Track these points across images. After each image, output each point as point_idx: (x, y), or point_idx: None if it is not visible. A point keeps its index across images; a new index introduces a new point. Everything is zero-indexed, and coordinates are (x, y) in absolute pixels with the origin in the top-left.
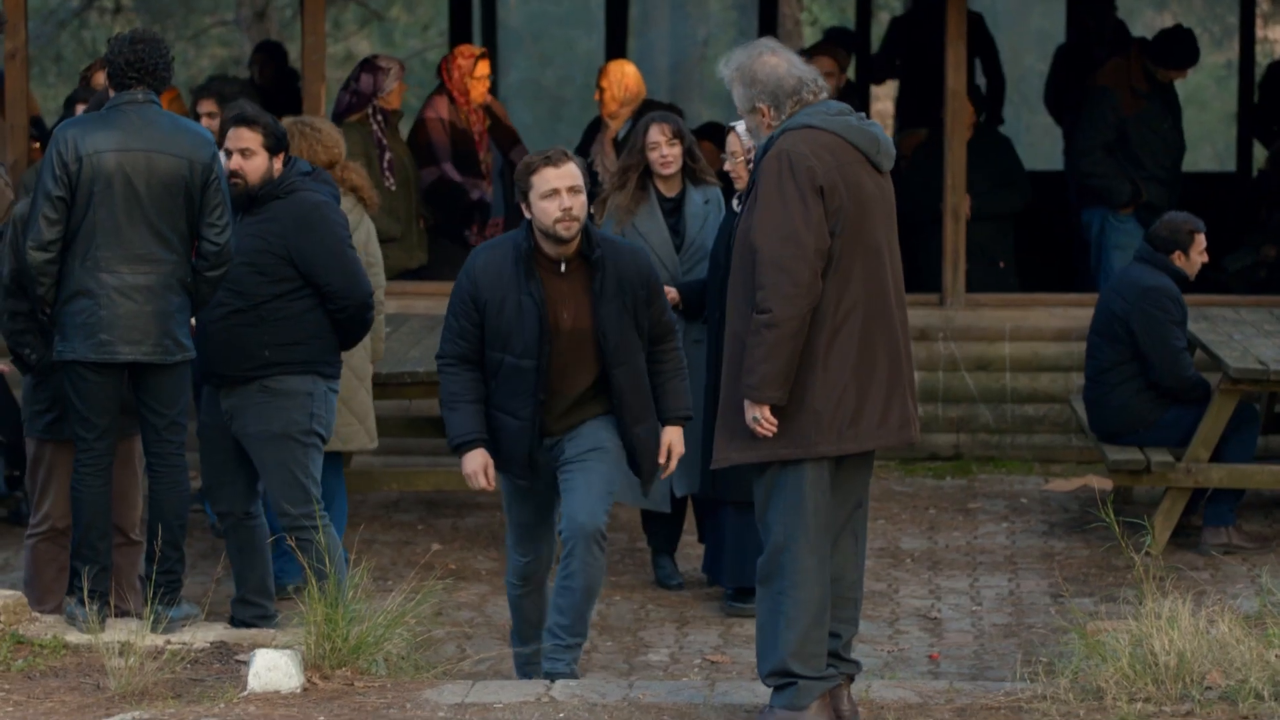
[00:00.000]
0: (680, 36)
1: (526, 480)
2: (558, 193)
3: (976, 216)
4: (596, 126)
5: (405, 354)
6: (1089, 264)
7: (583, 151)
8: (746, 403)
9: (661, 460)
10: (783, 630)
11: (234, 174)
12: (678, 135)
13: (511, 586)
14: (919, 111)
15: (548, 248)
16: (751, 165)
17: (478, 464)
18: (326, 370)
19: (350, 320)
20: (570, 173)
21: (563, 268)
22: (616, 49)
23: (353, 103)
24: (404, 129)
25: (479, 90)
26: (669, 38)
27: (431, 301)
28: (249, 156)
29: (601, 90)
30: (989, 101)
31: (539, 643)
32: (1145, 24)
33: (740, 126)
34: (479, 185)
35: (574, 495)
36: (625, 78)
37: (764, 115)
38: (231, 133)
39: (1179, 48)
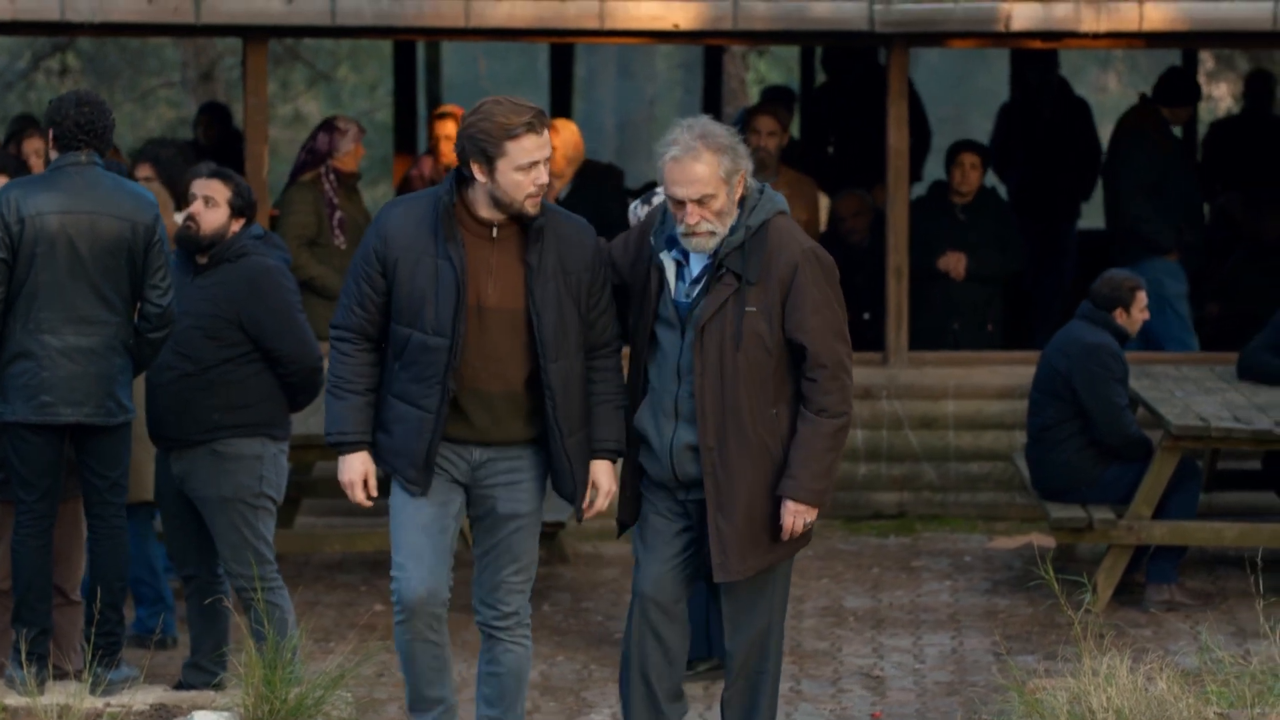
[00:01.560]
0: (626, 96)
1: (419, 486)
2: (535, 165)
3: (969, 278)
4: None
5: None
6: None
7: None
8: (800, 507)
9: (587, 500)
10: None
11: (190, 217)
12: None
13: (400, 630)
14: (851, 174)
15: (485, 212)
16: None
17: (357, 471)
18: (276, 433)
19: (300, 384)
20: (548, 141)
21: (494, 232)
22: (562, 108)
23: (306, 161)
24: (370, 193)
25: (447, 150)
26: (615, 97)
27: None
28: (210, 206)
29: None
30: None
31: (439, 712)
32: (1089, 82)
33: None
34: None
35: (499, 574)
36: (574, 136)
37: (739, 187)
38: (201, 181)
39: (1183, 86)
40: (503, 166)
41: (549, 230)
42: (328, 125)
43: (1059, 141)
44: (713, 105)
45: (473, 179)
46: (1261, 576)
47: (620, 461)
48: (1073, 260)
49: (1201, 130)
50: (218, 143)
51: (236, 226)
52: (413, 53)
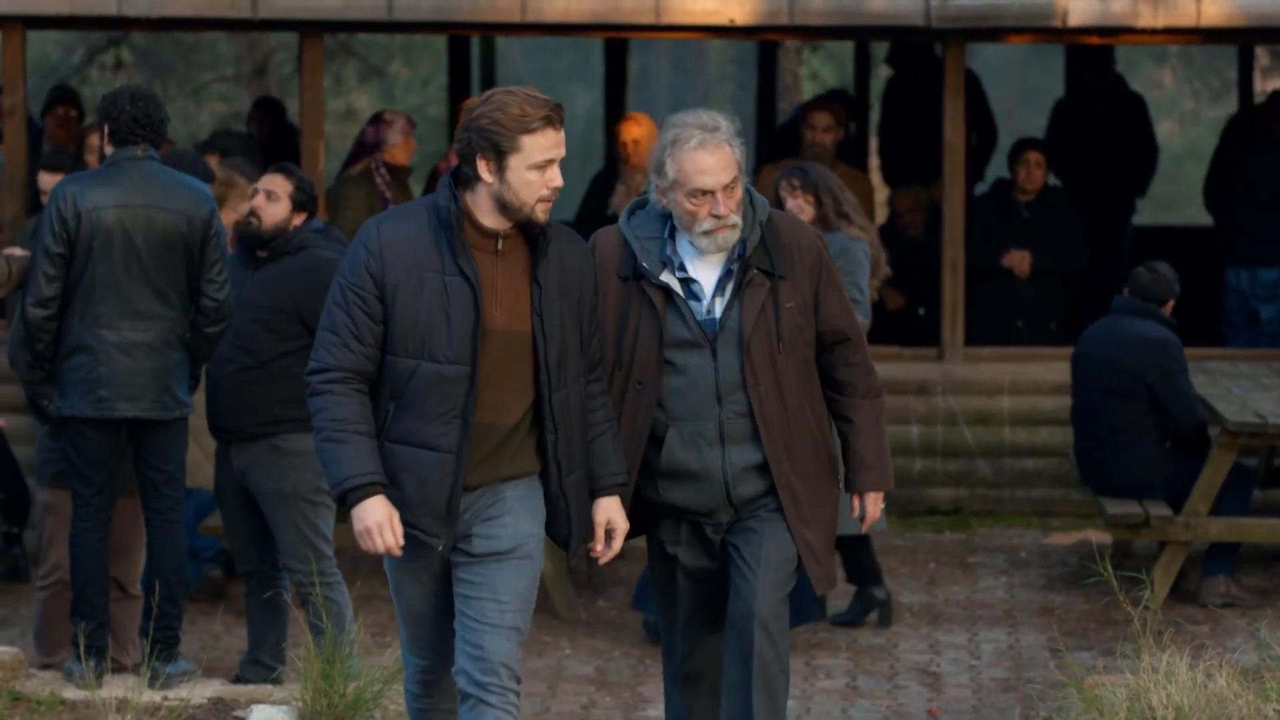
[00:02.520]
0: (679, 90)
1: (438, 539)
2: (551, 164)
3: (1033, 275)
4: (605, 180)
5: None
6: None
7: (596, 207)
8: (874, 495)
9: (599, 544)
10: None
11: (252, 212)
12: (805, 187)
13: (411, 698)
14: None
15: (488, 219)
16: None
17: (383, 514)
18: None
19: None
20: (563, 140)
21: (499, 244)
22: (616, 103)
23: (355, 153)
24: (421, 189)
25: None
26: (668, 91)
27: None
28: (272, 200)
29: (631, 143)
30: (979, 156)
31: None
32: (1144, 78)
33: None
34: None
35: (484, 627)
36: (654, 130)
37: None
38: (266, 176)
39: None
40: (515, 164)
41: (554, 243)
42: (375, 118)
43: (1114, 137)
44: (767, 100)
45: (476, 179)
46: None
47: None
48: (1127, 257)
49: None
50: (271, 138)
51: (298, 220)
52: (467, 47)
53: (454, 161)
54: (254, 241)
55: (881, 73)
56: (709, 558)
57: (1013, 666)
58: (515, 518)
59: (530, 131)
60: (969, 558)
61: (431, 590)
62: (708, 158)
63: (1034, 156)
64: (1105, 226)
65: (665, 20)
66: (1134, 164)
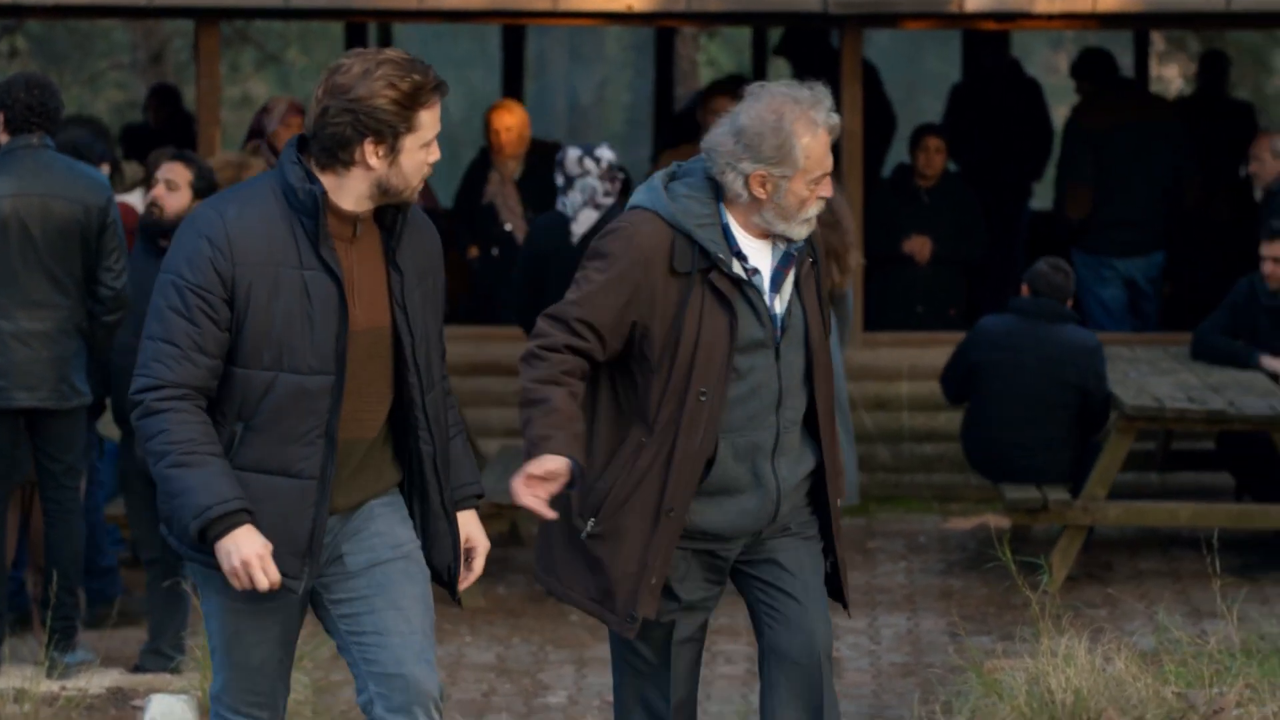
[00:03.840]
0: (578, 78)
1: (298, 581)
2: (432, 142)
3: (933, 261)
4: (479, 167)
5: None
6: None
7: (469, 193)
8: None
9: (467, 563)
10: None
11: (154, 203)
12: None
13: None
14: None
15: (351, 204)
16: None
17: (259, 545)
18: None
19: None
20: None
21: (356, 230)
22: (514, 91)
23: (248, 141)
24: None
25: None
26: (566, 80)
27: None
28: (173, 189)
29: (504, 130)
30: (878, 143)
31: None
32: (1041, 63)
33: None
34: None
35: (392, 639)
36: (525, 117)
37: None
38: (166, 164)
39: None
40: (410, 145)
41: (409, 223)
42: (263, 107)
43: (1011, 123)
44: (664, 87)
45: (350, 164)
46: (1217, 557)
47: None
48: (1024, 242)
49: None
50: (167, 125)
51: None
52: (364, 34)
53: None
54: (156, 230)
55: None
56: (711, 584)
57: (912, 651)
58: (388, 524)
59: (426, 106)
60: (868, 543)
61: (278, 637)
62: (827, 137)
63: (934, 142)
64: (1002, 211)
65: (563, 7)
66: (1030, 149)
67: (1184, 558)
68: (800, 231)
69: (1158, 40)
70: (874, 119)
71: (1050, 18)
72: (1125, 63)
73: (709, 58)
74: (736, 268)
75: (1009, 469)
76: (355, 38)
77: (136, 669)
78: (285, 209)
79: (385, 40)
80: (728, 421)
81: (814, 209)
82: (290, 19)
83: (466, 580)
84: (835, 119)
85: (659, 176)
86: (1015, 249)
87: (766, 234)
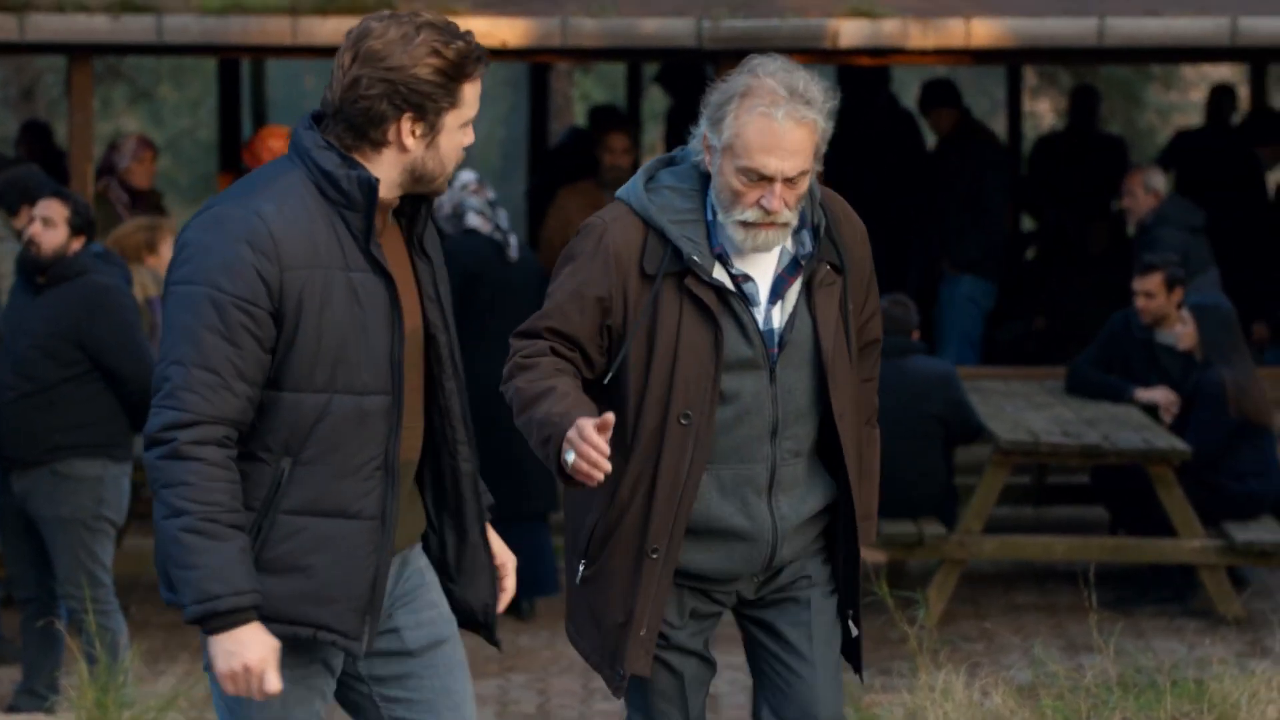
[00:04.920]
0: None
1: (361, 643)
2: (470, 122)
3: None
4: None
5: None
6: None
7: None
8: (866, 551)
9: (506, 588)
10: None
11: (31, 240)
12: None
13: None
14: None
15: (385, 191)
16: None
17: (266, 649)
18: (118, 454)
19: (141, 404)
20: None
21: (388, 220)
22: None
23: (97, 177)
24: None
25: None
26: None
27: None
28: (49, 226)
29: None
30: None
31: None
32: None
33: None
34: None
35: None
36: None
37: None
38: (42, 202)
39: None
40: (451, 123)
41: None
42: (111, 145)
43: (887, 155)
44: (539, 123)
45: (382, 145)
46: (1093, 590)
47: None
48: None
49: (1027, 146)
50: (39, 161)
51: (76, 245)
52: (237, 70)
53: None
54: (34, 268)
55: (654, 94)
56: (713, 620)
57: None
58: (435, 593)
59: (471, 78)
60: None
61: (320, 709)
62: (781, 132)
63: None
64: (886, 243)
65: None
66: (907, 181)
67: (1060, 591)
68: (736, 236)
69: (1030, 75)
70: None
71: (924, 53)
72: (998, 97)
73: (583, 92)
74: (718, 273)
75: (883, 504)
76: (228, 73)
77: (11, 709)
78: (320, 202)
79: (258, 77)
80: (712, 451)
81: (751, 213)
82: (164, 54)
83: (504, 601)
84: (801, 112)
85: (648, 164)
86: (902, 280)
87: (755, 249)
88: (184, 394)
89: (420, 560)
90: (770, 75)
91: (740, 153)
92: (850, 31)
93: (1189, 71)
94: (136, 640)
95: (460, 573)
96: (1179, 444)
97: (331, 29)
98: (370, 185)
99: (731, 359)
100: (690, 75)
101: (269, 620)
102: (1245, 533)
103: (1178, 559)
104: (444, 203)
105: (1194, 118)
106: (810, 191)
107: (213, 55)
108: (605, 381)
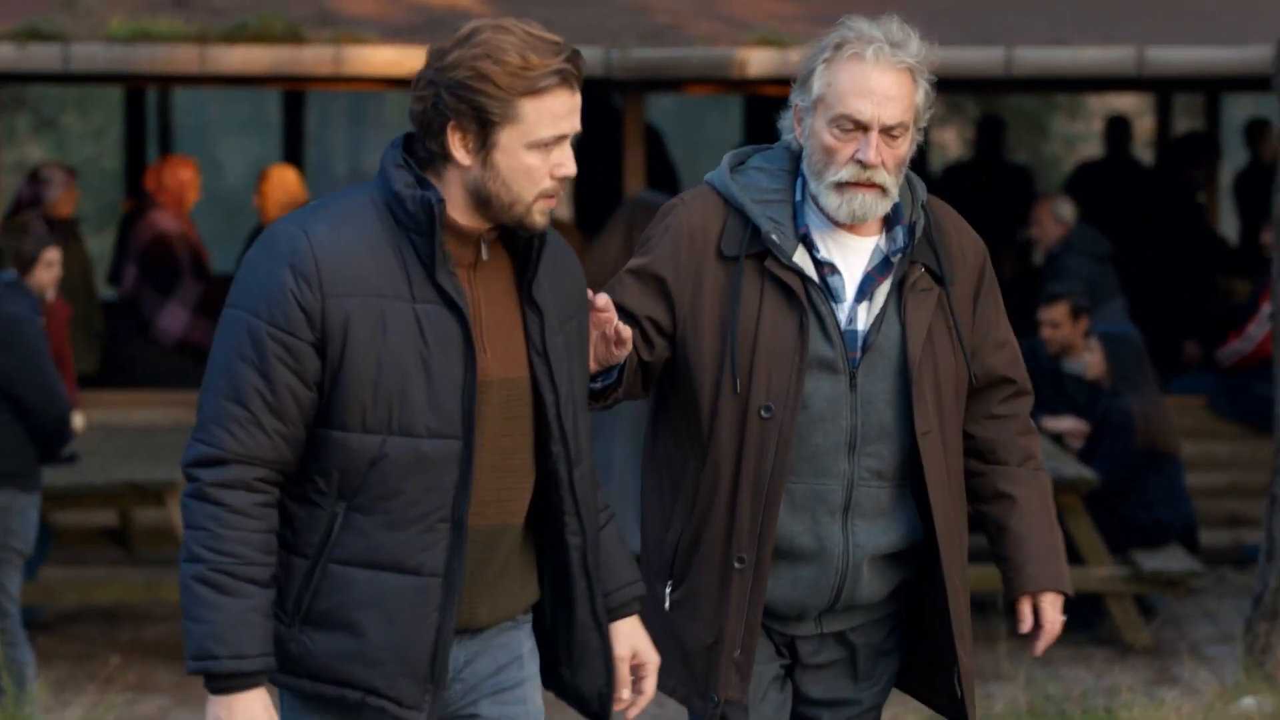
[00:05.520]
0: (358, 144)
1: (419, 712)
2: (561, 142)
3: None
4: (259, 233)
5: (83, 464)
6: None
7: None
8: (1052, 598)
9: (625, 689)
10: None
11: None
12: None
13: None
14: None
15: (464, 217)
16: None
17: (258, 711)
18: (26, 484)
19: (49, 434)
20: (579, 103)
21: (483, 253)
22: (294, 155)
23: (14, 210)
24: (97, 240)
25: (191, 199)
26: (347, 145)
27: (106, 411)
28: None
29: (263, 195)
30: None
31: None
32: None
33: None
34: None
35: None
36: (286, 182)
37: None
38: None
39: None
40: (508, 140)
41: (547, 250)
42: (32, 176)
43: None
44: None
45: (443, 159)
46: (1003, 620)
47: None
48: None
49: (934, 175)
50: None
51: None
52: (143, 99)
53: (167, 222)
54: None
55: None
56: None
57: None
58: (531, 688)
59: (536, 93)
60: None
61: None
62: (877, 75)
63: None
64: None
65: (345, 71)
66: None
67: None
68: (830, 201)
69: (937, 105)
70: (659, 182)
71: None
72: None
73: None
74: (800, 257)
75: None
76: (134, 101)
77: None
78: (390, 226)
79: (165, 104)
80: (790, 464)
81: (846, 171)
82: (69, 83)
83: (635, 709)
84: (899, 57)
85: (739, 150)
86: None
87: (873, 223)
88: (213, 428)
89: (526, 645)
90: (862, 23)
91: (833, 101)
92: (758, 61)
93: (1093, 101)
94: (44, 671)
95: (569, 653)
96: (1086, 472)
97: (240, 58)
98: (429, 205)
99: (810, 356)
100: (598, 105)
101: (316, 679)
102: (1153, 561)
103: (1086, 588)
104: None
105: (1098, 148)
106: (910, 184)
107: (118, 84)
108: (677, 370)
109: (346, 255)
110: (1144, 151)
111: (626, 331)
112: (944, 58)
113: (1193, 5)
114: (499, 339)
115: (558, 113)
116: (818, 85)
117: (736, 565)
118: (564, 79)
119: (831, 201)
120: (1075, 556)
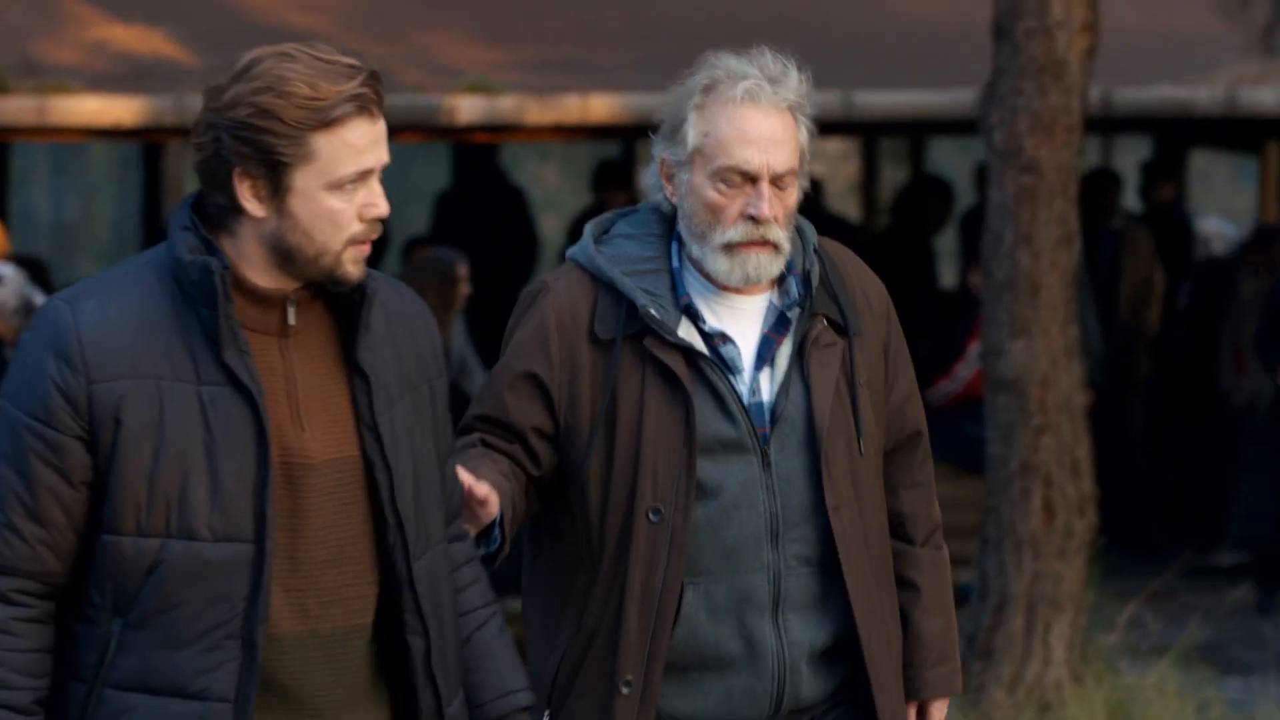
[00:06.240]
0: (62, 191)
1: None
2: (367, 177)
3: None
4: None
5: None
6: None
7: None
8: (940, 705)
9: None
10: None
11: None
12: None
13: None
14: None
15: (263, 278)
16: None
17: None
18: None
19: None
20: (384, 131)
21: (290, 317)
22: None
23: None
24: None
25: None
26: (50, 193)
27: None
28: None
29: None
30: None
31: None
32: (528, 174)
33: None
34: None
35: None
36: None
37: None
38: None
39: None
40: (305, 183)
41: (377, 305)
42: None
43: (497, 231)
44: (152, 202)
45: (232, 212)
46: None
47: None
48: None
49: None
50: None
51: None
52: None
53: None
54: None
55: None
56: None
57: None
58: None
59: (330, 125)
60: None
61: None
62: (759, 118)
63: (422, 251)
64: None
65: (50, 121)
66: (518, 256)
67: None
68: (720, 268)
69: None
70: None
71: (542, 129)
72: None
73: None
74: (685, 331)
75: None
76: None
77: None
78: (176, 297)
79: None
80: (696, 560)
81: (735, 230)
82: None
83: None
84: (780, 93)
85: (600, 218)
86: None
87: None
88: None
89: None
90: (730, 60)
91: (713, 152)
92: (468, 108)
93: None
94: None
95: None
96: None
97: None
98: (209, 271)
99: (710, 440)
100: None
101: None
102: None
103: None
104: (6, 299)
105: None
106: (799, 229)
107: None
108: (560, 472)
109: (118, 332)
110: (851, 197)
111: (483, 491)
112: (653, 103)
113: (899, 49)
114: (322, 415)
115: (358, 145)
116: (692, 135)
117: (623, 690)
118: (362, 106)
119: (721, 266)
120: None
